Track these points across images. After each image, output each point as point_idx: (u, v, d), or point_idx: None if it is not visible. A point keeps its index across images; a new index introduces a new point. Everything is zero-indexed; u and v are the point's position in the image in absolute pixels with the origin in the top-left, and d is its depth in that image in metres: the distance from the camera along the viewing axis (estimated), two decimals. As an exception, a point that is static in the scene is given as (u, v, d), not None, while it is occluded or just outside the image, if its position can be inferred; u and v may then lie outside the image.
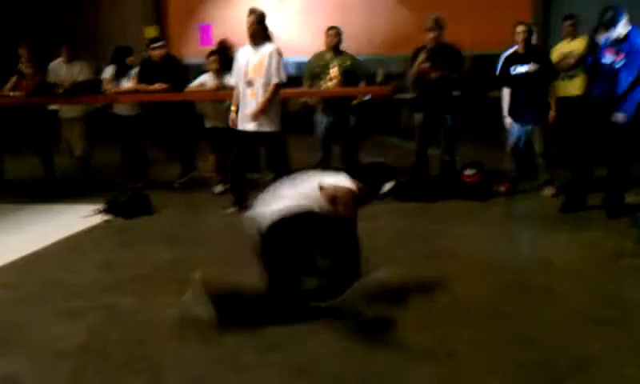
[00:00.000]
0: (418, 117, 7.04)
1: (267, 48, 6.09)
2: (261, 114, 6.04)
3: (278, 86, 6.10)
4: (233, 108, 6.35)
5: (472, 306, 3.93)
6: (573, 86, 7.34)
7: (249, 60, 6.09)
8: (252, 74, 6.06)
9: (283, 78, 6.10)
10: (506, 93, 6.88)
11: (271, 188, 4.12)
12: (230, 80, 6.47)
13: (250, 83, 6.07)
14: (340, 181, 3.95)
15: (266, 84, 6.05)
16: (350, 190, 3.88)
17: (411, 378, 3.11)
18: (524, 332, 3.57)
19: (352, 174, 4.07)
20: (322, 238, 3.82)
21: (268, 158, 6.46)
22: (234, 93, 6.31)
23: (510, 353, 3.34)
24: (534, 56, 6.60)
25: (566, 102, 7.26)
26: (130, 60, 7.60)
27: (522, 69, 6.61)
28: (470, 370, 3.19)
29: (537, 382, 3.04)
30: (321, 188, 3.86)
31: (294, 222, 3.74)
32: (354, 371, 3.20)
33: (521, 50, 6.64)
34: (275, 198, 3.93)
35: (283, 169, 6.13)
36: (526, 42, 6.59)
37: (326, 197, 3.81)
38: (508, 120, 6.79)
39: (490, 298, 4.06)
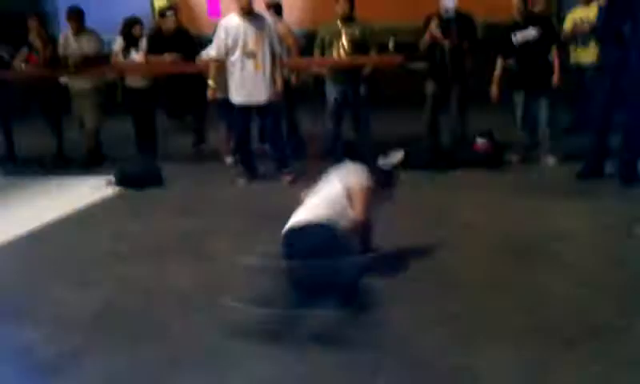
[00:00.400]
0: (429, 86, 6.99)
1: (264, 19, 6.14)
2: (280, 89, 6.16)
3: (282, 57, 6.22)
4: (212, 82, 6.33)
5: (483, 274, 3.93)
6: (586, 54, 7.25)
7: (245, 31, 6.04)
8: (253, 45, 6.03)
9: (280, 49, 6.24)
10: (499, 64, 6.76)
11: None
12: (211, 51, 6.41)
13: (251, 55, 6.04)
14: (357, 179, 3.92)
15: (271, 55, 6.08)
16: (365, 194, 3.86)
17: (423, 344, 3.11)
18: (534, 299, 3.57)
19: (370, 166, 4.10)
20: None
21: (264, 126, 6.56)
22: (214, 65, 6.28)
23: (520, 319, 3.34)
24: (533, 22, 6.48)
25: (579, 69, 7.19)
26: (137, 31, 7.56)
27: (522, 36, 6.50)
28: (483, 334, 3.19)
29: (547, 347, 3.04)
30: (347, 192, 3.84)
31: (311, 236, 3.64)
32: (364, 340, 3.21)
33: (518, 18, 6.56)
34: (305, 209, 3.81)
35: (281, 138, 6.33)
36: (523, 8, 6.49)
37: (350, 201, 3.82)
38: (495, 91, 6.71)
39: (501, 266, 4.04)
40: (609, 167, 5.95)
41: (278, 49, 6.18)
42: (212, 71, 6.29)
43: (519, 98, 6.66)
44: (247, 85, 6.12)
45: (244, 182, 6.47)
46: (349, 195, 3.81)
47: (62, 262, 4.49)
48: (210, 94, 6.41)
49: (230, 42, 6.08)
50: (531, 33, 6.45)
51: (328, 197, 3.83)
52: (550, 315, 3.37)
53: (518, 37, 6.51)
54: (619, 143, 5.84)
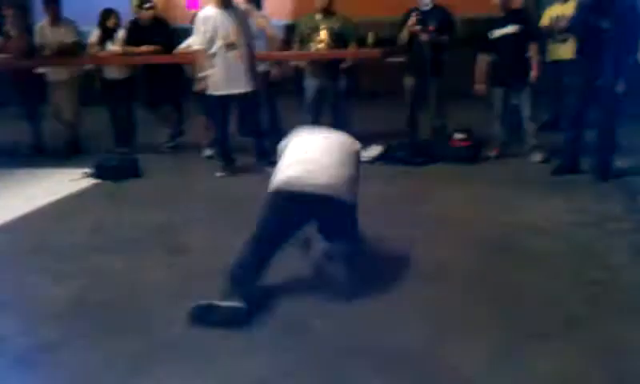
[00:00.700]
0: (408, 80, 7.02)
1: (239, 9, 6.22)
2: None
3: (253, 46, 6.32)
4: (200, 74, 6.28)
5: (459, 269, 3.95)
6: (565, 50, 7.30)
7: (224, 22, 6.05)
8: (233, 36, 6.05)
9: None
10: (480, 59, 6.79)
11: (298, 144, 3.87)
12: (194, 44, 6.38)
13: (231, 46, 6.06)
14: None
15: (249, 45, 6.15)
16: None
17: (400, 337, 3.14)
18: (509, 292, 3.60)
19: None
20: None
21: (243, 117, 6.47)
22: (200, 57, 6.24)
23: (496, 312, 3.37)
24: (513, 18, 6.51)
25: (557, 65, 7.24)
26: (112, 23, 7.48)
27: (499, 32, 6.54)
28: (458, 327, 3.22)
29: (521, 339, 3.07)
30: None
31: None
32: (339, 334, 3.22)
33: (498, 13, 6.59)
34: (313, 163, 3.63)
35: (259, 129, 6.45)
36: (503, 4, 6.52)
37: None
38: (477, 87, 6.74)
39: (478, 260, 4.08)
40: (583, 164, 6.02)
41: (254, 40, 6.22)
42: (200, 62, 6.26)
43: (498, 94, 6.70)
44: (229, 75, 6.12)
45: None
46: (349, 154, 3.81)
47: (38, 253, 4.45)
48: (198, 86, 6.37)
49: (209, 34, 6.06)
50: (510, 28, 6.49)
51: (333, 153, 3.72)
52: (525, 308, 3.41)
53: (496, 33, 6.55)
54: (594, 140, 5.91)
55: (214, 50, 6.09)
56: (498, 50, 6.61)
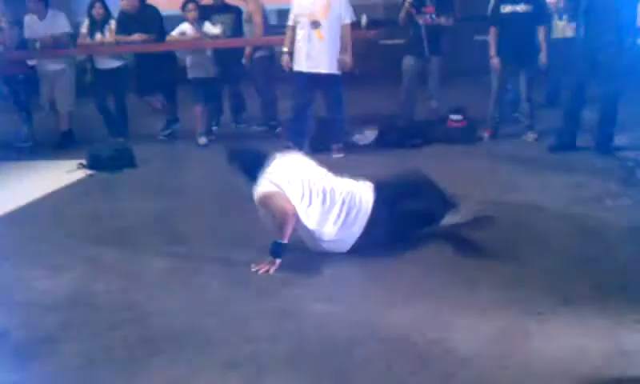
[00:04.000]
0: (406, 61, 6.98)
1: None
2: (349, 58, 6.17)
3: (350, 26, 6.19)
4: (285, 49, 6.34)
5: (458, 248, 3.94)
6: (568, 28, 7.26)
7: (315, 1, 6.06)
8: (319, 14, 6.04)
9: (353, 17, 6.23)
10: (494, 33, 6.73)
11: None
12: (290, 21, 6.39)
13: (315, 24, 6.04)
14: None
15: (333, 25, 6.08)
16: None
17: (399, 319, 3.13)
18: (508, 271, 3.60)
19: None
20: None
21: (326, 100, 6.48)
22: (289, 34, 6.28)
23: (494, 291, 3.37)
24: None
25: (560, 42, 7.21)
26: (97, 12, 7.41)
27: (511, 8, 6.45)
28: (458, 307, 3.22)
29: (520, 318, 3.07)
30: None
31: None
32: (337, 316, 3.22)
33: None
34: None
35: (341, 113, 6.40)
36: None
37: None
38: (495, 60, 6.65)
39: (477, 239, 4.07)
40: (581, 140, 6.02)
41: (347, 19, 6.18)
42: (287, 39, 6.34)
43: (498, 72, 6.65)
44: (311, 53, 6.16)
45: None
46: None
47: (35, 245, 4.43)
48: (284, 60, 6.41)
49: (302, 10, 6.17)
50: (521, 6, 6.41)
51: None
52: (524, 287, 3.40)
53: (507, 7, 6.45)
54: (596, 115, 5.91)
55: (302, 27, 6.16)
56: (506, 26, 6.51)
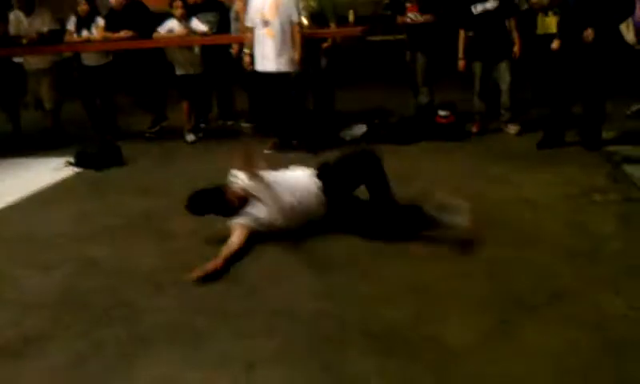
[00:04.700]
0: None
1: None
2: (299, 56, 6.14)
3: (299, 25, 6.18)
4: (247, 50, 6.37)
5: (447, 243, 3.95)
6: (553, 23, 7.29)
7: (264, 1, 6.08)
8: (268, 14, 6.05)
9: (300, 16, 6.24)
10: (462, 34, 6.83)
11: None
12: (247, 22, 6.39)
13: (265, 23, 6.07)
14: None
15: (284, 23, 6.08)
16: None
17: (390, 315, 3.13)
18: (497, 267, 3.61)
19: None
20: None
21: (282, 100, 6.40)
22: (248, 35, 6.30)
23: (485, 286, 3.38)
24: None
25: (546, 39, 7.24)
26: (81, 9, 7.36)
27: (481, 7, 6.58)
28: (448, 302, 3.23)
29: (510, 313, 3.09)
30: None
31: None
32: (330, 313, 3.22)
33: None
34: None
35: (297, 112, 6.30)
36: None
37: None
38: (461, 63, 6.79)
39: (466, 234, 4.07)
40: (569, 136, 6.05)
41: (295, 17, 6.17)
42: (247, 41, 6.37)
43: (478, 69, 6.73)
44: (264, 52, 6.19)
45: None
46: None
47: (24, 244, 4.40)
48: (245, 61, 6.44)
49: (255, 11, 6.17)
50: (490, 4, 6.50)
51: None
52: (513, 282, 3.42)
53: (478, 7, 6.56)
54: (582, 111, 5.95)
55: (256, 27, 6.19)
56: (478, 25, 6.65)
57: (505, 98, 6.72)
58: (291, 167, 4.42)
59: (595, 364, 2.65)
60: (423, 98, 7.11)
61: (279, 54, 6.11)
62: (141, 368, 2.82)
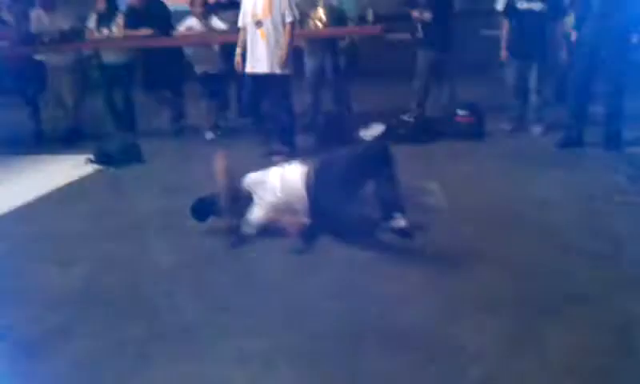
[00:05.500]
0: (422, 55, 7.04)
1: None
2: (286, 57, 5.99)
3: (293, 25, 6.02)
4: (238, 50, 6.23)
5: (466, 245, 3.94)
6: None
7: (256, 1, 5.96)
8: (261, 14, 5.94)
9: (296, 15, 6.06)
10: (506, 27, 6.79)
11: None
12: (239, 22, 6.29)
13: (258, 24, 5.95)
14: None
15: (276, 23, 5.95)
16: None
17: (408, 315, 3.13)
18: (517, 268, 3.60)
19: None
20: None
21: (272, 101, 6.35)
22: (241, 35, 6.18)
23: (504, 288, 3.37)
24: None
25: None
26: (100, 7, 7.40)
27: (527, 5, 6.51)
28: (465, 304, 3.22)
29: (529, 315, 3.08)
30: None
31: None
32: (347, 311, 3.22)
33: None
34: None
35: (287, 114, 6.11)
36: None
37: None
38: (505, 53, 6.75)
39: (484, 236, 4.07)
40: (590, 136, 6.01)
41: (288, 17, 5.99)
42: (239, 41, 6.20)
43: (513, 66, 6.69)
44: (255, 54, 6.08)
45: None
46: None
47: (45, 241, 4.44)
48: (235, 61, 6.29)
49: (247, 11, 6.07)
50: (537, 5, 6.46)
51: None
52: (534, 284, 3.41)
53: (524, 4, 6.52)
54: (603, 112, 5.90)
55: (248, 28, 6.07)
56: (520, 21, 6.58)
57: (533, 99, 6.68)
58: (287, 164, 4.43)
59: (614, 368, 2.63)
60: (446, 97, 7.06)
61: (272, 55, 5.97)
62: (160, 365, 2.84)
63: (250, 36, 6.02)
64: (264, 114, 6.45)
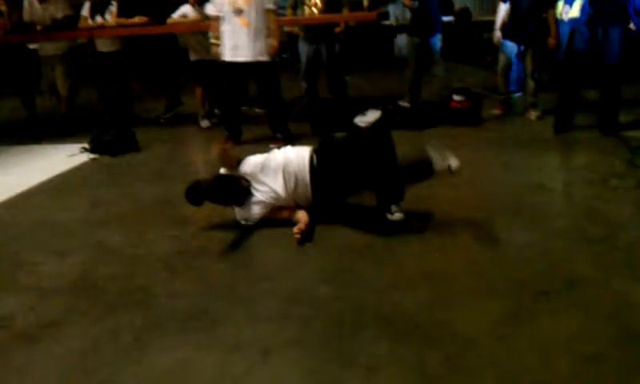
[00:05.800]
0: (411, 41, 7.04)
1: None
2: (277, 45, 5.99)
3: (275, 12, 6.02)
4: (214, 40, 6.19)
5: (461, 229, 3.94)
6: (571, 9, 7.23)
7: None
8: (242, 2, 5.89)
9: (276, 3, 6.07)
10: (502, 8, 6.81)
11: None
12: (210, 10, 6.28)
13: (238, 11, 5.89)
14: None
15: (259, 11, 5.92)
16: None
17: (404, 301, 3.12)
18: (512, 252, 3.60)
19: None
20: None
21: (260, 90, 6.33)
22: (214, 24, 6.12)
23: (498, 272, 3.36)
24: None
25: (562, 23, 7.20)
26: None
27: None
28: (462, 289, 3.22)
29: (527, 300, 3.07)
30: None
31: None
32: (344, 299, 3.21)
33: None
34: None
35: (276, 101, 6.08)
36: None
37: None
38: (498, 34, 6.77)
39: (482, 220, 4.06)
40: (587, 119, 6.01)
41: (269, 5, 6.03)
42: (213, 30, 6.21)
43: (507, 48, 6.68)
44: (237, 42, 6.03)
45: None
46: None
47: (39, 230, 4.42)
48: (214, 52, 6.30)
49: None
50: None
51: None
52: (528, 268, 3.40)
53: None
54: (599, 95, 5.90)
55: (226, 16, 6.00)
56: (516, 5, 6.59)
57: (529, 83, 6.68)
58: (289, 148, 4.34)
59: (610, 352, 2.63)
60: (441, 83, 7.06)
61: (254, 42, 5.94)
62: (156, 353, 2.83)
63: (229, 25, 5.96)
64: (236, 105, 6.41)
